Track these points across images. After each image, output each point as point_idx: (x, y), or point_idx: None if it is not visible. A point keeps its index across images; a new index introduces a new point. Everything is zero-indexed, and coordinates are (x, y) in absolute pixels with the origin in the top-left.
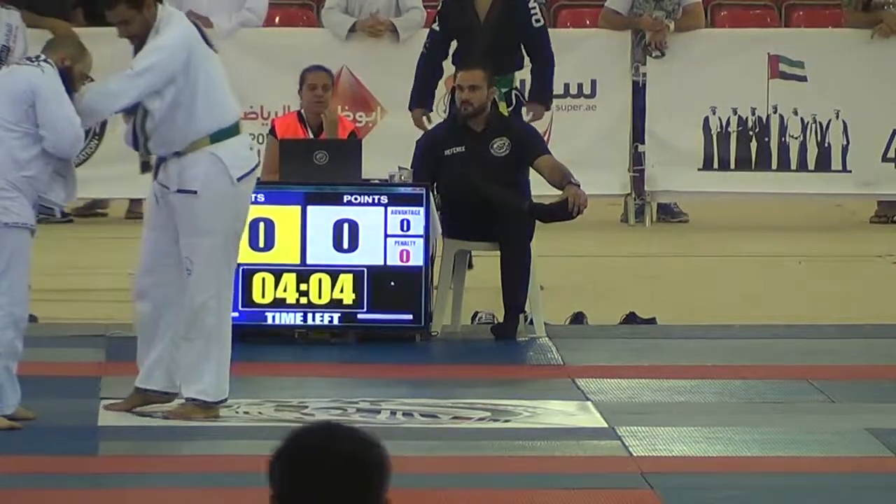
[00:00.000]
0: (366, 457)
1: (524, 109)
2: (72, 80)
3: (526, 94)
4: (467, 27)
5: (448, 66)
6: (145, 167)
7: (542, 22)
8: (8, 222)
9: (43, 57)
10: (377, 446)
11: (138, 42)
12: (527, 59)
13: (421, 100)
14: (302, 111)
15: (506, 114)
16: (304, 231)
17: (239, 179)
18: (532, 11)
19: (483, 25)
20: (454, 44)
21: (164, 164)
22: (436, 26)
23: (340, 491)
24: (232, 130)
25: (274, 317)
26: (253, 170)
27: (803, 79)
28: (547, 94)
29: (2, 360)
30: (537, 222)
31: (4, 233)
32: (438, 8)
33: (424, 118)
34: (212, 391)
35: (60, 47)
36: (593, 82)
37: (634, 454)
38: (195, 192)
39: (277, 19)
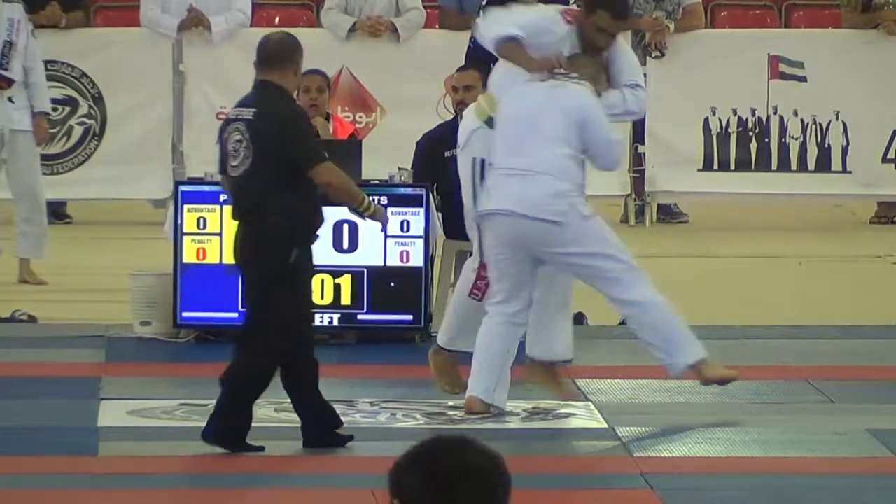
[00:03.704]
0: (497, 470)
1: None
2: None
3: None
4: None
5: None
6: None
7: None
8: (588, 215)
9: (575, 75)
10: (501, 459)
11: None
12: None
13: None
14: None
15: None
16: None
17: None
18: None
19: None
20: None
21: None
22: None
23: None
24: None
25: None
26: None
27: (803, 79)
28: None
29: None
30: None
31: (592, 220)
32: (482, 3)
33: None
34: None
35: (583, 66)
36: None
37: (634, 454)
38: None
39: (277, 19)
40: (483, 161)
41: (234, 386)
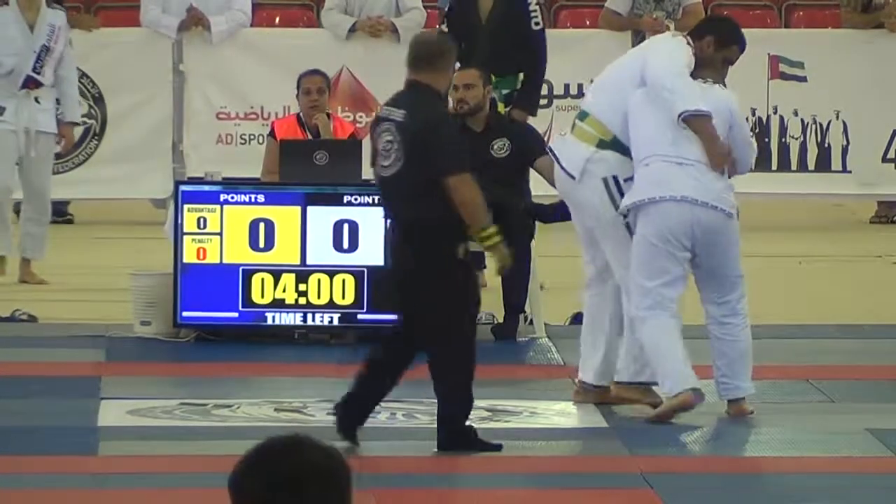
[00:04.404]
0: (336, 466)
1: (512, 114)
2: None
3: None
4: (470, 28)
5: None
6: None
7: (541, 25)
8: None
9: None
10: (342, 456)
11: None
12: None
13: None
14: (300, 114)
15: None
16: (304, 231)
17: None
18: (532, 14)
19: (485, 26)
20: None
21: None
22: (444, 27)
23: (318, 502)
24: None
25: (274, 317)
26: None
27: (803, 79)
28: (533, 100)
29: None
30: (537, 222)
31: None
32: (444, 10)
33: None
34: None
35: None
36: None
37: (634, 453)
38: None
39: (277, 19)
40: (616, 178)
41: (447, 390)
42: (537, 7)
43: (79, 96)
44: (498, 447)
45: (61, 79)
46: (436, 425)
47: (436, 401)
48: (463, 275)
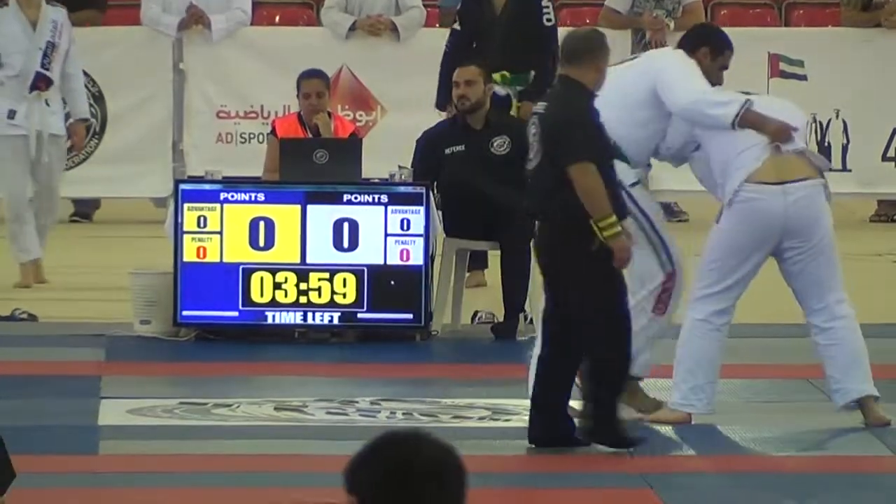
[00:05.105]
0: (452, 463)
1: (518, 108)
2: None
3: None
4: (483, 24)
5: None
6: None
7: (553, 21)
8: None
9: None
10: (457, 453)
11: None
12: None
13: (448, 98)
14: (301, 113)
15: (516, 113)
16: (304, 230)
17: None
18: (545, 10)
19: (497, 22)
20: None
21: None
22: (457, 26)
23: (432, 498)
24: None
25: (274, 316)
26: None
27: (803, 78)
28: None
29: None
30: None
31: None
32: (458, 8)
33: None
34: None
35: None
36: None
37: (634, 454)
38: None
39: (277, 18)
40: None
41: (606, 387)
42: (549, 3)
43: (86, 92)
44: (634, 442)
45: (68, 76)
46: (428, 426)
47: (438, 400)
48: (600, 270)
